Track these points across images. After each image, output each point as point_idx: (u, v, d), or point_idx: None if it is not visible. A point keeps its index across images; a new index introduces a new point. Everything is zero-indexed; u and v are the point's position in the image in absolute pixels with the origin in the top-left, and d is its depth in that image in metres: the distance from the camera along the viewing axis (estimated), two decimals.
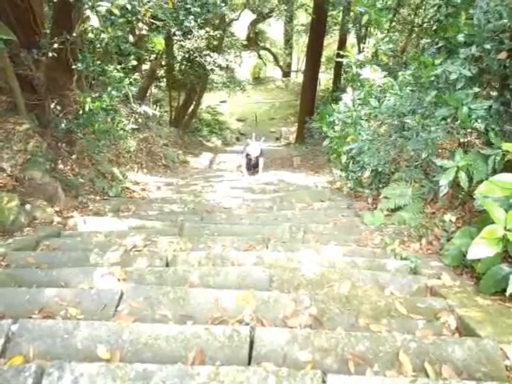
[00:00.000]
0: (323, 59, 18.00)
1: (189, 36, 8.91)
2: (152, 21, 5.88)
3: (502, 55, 3.34)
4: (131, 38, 5.34)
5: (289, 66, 26.92)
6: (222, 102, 20.52)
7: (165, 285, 2.64)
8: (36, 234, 3.67)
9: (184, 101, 14.41)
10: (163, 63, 13.27)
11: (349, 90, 6.91)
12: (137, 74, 6.20)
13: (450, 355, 1.83)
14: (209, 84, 14.67)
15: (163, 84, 15.45)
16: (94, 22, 4.02)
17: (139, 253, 3.32)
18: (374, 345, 1.90)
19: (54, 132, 5.20)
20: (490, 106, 3.40)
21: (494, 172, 3.07)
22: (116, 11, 3.81)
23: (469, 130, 3.92)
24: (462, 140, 3.86)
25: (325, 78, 20.54)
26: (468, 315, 2.15)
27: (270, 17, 18.77)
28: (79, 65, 5.06)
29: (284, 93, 24.86)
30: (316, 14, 13.97)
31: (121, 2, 3.81)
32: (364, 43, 12.35)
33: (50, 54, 4.84)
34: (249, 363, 1.90)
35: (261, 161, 9.07)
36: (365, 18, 5.30)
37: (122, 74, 5.60)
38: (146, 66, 12.45)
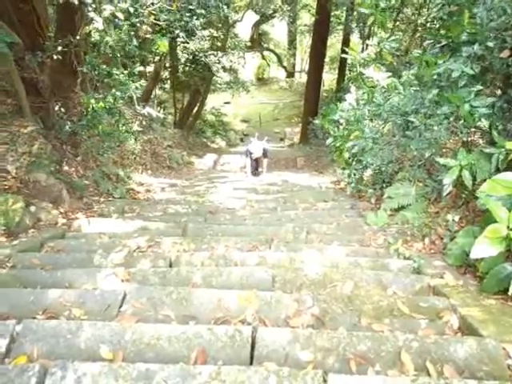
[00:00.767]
0: (327, 59, 17.98)
1: (192, 37, 8.95)
2: (156, 23, 5.90)
3: (505, 53, 3.32)
4: (135, 41, 5.36)
5: (293, 66, 26.92)
6: (226, 103, 20.55)
7: (168, 285, 2.65)
8: (41, 235, 3.70)
9: (188, 102, 14.45)
10: (167, 65, 13.33)
11: (352, 89, 6.91)
12: (142, 79, 6.25)
13: (452, 354, 1.83)
14: (213, 85, 14.71)
15: (168, 86, 15.51)
16: (98, 24, 4.04)
17: (143, 254, 3.34)
18: (375, 344, 1.90)
19: (59, 134, 5.24)
20: (493, 104, 3.38)
21: (498, 171, 3.06)
22: (119, 14, 3.84)
23: (472, 129, 3.91)
24: (465, 139, 3.85)
25: (328, 79, 20.52)
26: (470, 314, 2.14)
27: (273, 17, 18.80)
28: (84, 68, 5.11)
29: (288, 93, 24.86)
30: (319, 14, 13.97)
31: (124, 6, 3.83)
32: (367, 42, 12.33)
33: (55, 57, 4.87)
34: (251, 363, 1.91)
35: (265, 161, 9.07)
36: (370, 20, 5.29)
37: (126, 77, 5.64)
38: (150, 68, 12.51)
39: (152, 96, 12.49)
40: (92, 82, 6.06)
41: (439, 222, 3.57)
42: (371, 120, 5.94)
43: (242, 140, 18.60)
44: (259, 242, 3.68)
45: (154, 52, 11.50)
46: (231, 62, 13.18)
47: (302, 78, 24.70)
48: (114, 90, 5.57)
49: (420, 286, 2.67)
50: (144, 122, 9.60)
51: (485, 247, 2.29)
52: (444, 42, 4.18)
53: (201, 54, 9.56)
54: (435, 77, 3.63)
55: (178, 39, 9.73)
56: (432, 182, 4.24)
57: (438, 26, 4.59)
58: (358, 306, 2.35)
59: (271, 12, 17.39)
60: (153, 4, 4.63)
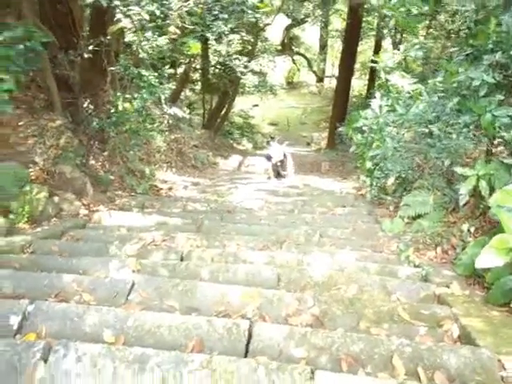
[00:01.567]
0: (357, 65, 17.83)
1: (221, 41, 9.09)
2: (185, 26, 6.06)
3: None
4: (162, 42, 5.53)
5: (322, 71, 26.79)
6: (254, 105, 20.64)
7: (176, 278, 2.74)
8: (62, 224, 3.88)
9: (217, 104, 14.64)
10: (198, 67, 13.56)
11: (377, 95, 6.84)
12: (172, 81, 6.41)
13: (445, 362, 1.82)
14: (241, 88, 14.85)
15: (198, 87, 15.77)
16: (126, 25, 4.20)
17: (156, 247, 3.46)
18: (368, 347, 1.92)
19: (87, 129, 5.46)
20: None
21: None
22: (146, 16, 3.99)
23: (496, 140, 3.82)
24: (485, 148, 3.77)
25: (358, 85, 20.29)
26: (471, 324, 2.11)
27: (304, 22, 18.79)
28: (114, 67, 5.30)
29: (317, 98, 24.74)
30: (350, 20, 13.88)
31: (150, 8, 3.98)
32: (399, 49, 12.17)
33: (86, 56, 5.10)
34: (245, 356, 1.96)
35: (289, 165, 9.05)
36: (392, 22, 5.25)
37: (156, 79, 5.81)
38: (180, 70, 12.77)
39: (181, 97, 12.73)
40: (122, 81, 6.28)
41: (453, 232, 3.51)
42: (395, 128, 5.87)
43: (268, 143, 18.63)
44: (271, 242, 3.73)
45: (185, 54, 11.75)
46: (261, 65, 13.27)
47: (331, 84, 24.50)
48: (143, 90, 5.76)
49: (425, 293, 2.65)
50: (170, 121, 9.80)
51: (491, 257, 2.26)
52: (469, 51, 4.12)
53: (227, 58, 9.68)
54: (455, 85, 3.58)
55: (209, 42, 9.90)
56: (450, 192, 4.17)
57: (464, 34, 4.51)
58: (358, 310, 2.36)
59: (303, 16, 17.39)
60: (180, 8, 4.77)
